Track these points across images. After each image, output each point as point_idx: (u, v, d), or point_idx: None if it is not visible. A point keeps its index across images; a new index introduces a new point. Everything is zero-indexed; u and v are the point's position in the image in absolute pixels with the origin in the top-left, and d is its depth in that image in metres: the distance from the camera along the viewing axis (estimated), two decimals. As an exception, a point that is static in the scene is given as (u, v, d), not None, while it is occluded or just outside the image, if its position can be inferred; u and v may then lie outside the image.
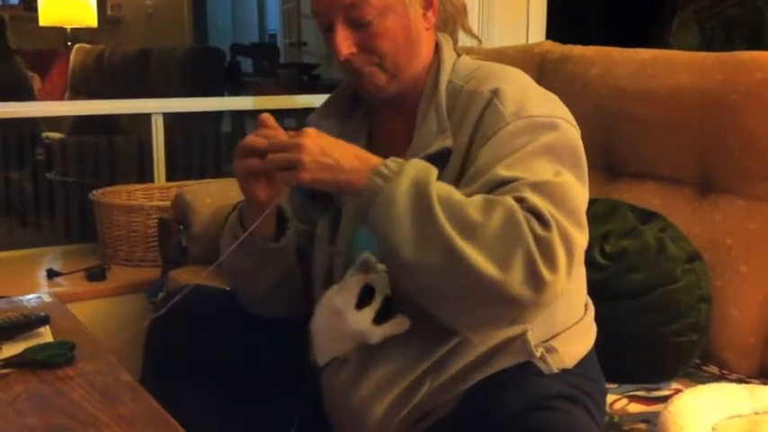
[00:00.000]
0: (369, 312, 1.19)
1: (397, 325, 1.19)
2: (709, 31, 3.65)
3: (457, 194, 1.06)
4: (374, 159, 1.10)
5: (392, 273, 1.13)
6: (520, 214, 1.01)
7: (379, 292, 1.19)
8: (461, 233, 1.00)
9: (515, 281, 0.99)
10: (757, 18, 3.46)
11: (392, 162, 1.08)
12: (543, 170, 1.09)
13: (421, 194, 1.04)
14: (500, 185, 1.08)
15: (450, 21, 1.33)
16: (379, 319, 1.18)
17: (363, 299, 1.19)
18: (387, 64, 1.24)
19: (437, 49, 1.31)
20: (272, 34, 7.55)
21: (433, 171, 1.08)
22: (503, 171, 1.09)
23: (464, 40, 1.40)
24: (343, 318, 1.21)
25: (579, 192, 1.11)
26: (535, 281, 0.99)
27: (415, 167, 1.08)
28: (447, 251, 1.00)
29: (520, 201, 1.03)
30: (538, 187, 1.05)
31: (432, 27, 1.29)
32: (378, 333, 1.19)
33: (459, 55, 1.33)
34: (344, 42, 1.22)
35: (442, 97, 1.25)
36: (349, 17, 1.21)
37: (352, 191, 1.09)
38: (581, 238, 1.07)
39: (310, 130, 1.13)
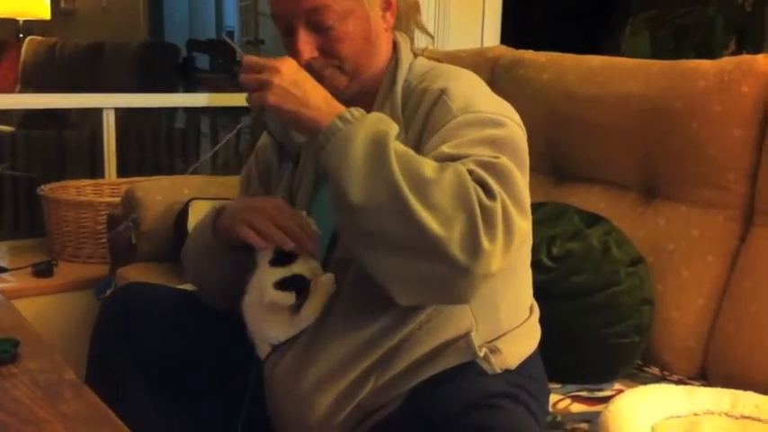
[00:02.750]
0: (275, 273, 1.21)
1: (282, 299, 1.21)
2: (660, 39, 3.71)
3: (413, 152, 1.07)
4: (341, 107, 1.11)
5: (337, 218, 1.11)
6: (469, 181, 1.03)
7: (297, 267, 1.21)
8: (411, 184, 1.01)
9: (455, 241, 1.00)
10: (707, 26, 3.52)
11: (357, 111, 1.10)
12: (486, 154, 1.10)
13: (378, 141, 1.05)
14: (446, 161, 1.08)
15: (404, 18, 1.35)
16: (280, 286, 1.20)
17: (280, 262, 1.21)
18: (347, 66, 1.26)
19: (395, 48, 1.33)
20: (229, 31, 7.49)
21: (395, 126, 1.09)
22: (447, 149, 1.11)
23: (418, 38, 1.41)
24: (257, 270, 1.24)
25: (520, 179, 1.11)
26: (473, 246, 1.00)
27: (379, 118, 1.09)
28: (394, 198, 1.01)
29: (469, 172, 1.05)
30: (484, 165, 1.07)
31: (390, 27, 1.31)
32: (269, 295, 1.21)
33: (416, 55, 1.34)
34: (306, 47, 1.22)
35: (398, 96, 1.27)
36: (310, 21, 1.22)
37: (313, 128, 1.09)
38: (522, 223, 1.07)
39: (290, 60, 1.14)
